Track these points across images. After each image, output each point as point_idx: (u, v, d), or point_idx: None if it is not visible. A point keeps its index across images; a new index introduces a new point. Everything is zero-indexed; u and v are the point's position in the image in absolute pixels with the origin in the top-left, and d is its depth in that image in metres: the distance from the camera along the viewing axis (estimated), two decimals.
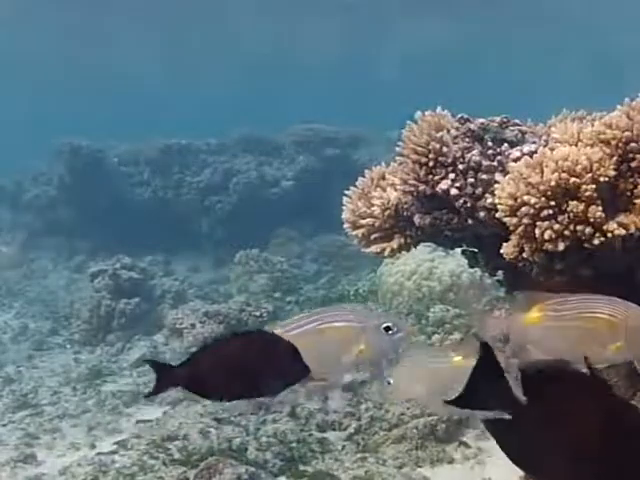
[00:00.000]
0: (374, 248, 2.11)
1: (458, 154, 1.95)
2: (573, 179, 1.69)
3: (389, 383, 1.46)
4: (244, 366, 1.19)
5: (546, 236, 1.71)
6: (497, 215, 1.80)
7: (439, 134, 1.95)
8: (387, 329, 1.34)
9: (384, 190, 2.09)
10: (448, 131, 1.96)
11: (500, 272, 2.10)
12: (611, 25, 14.60)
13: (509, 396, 1.05)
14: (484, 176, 1.93)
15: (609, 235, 1.68)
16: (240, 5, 13.64)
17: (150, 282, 5.42)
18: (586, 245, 1.71)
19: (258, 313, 4.37)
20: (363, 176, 2.17)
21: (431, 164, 1.94)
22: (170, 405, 3.59)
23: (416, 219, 2.02)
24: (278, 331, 1.33)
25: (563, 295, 1.36)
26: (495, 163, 1.95)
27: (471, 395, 1.09)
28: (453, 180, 1.94)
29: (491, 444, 1.12)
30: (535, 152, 1.86)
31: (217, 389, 1.21)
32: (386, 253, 2.09)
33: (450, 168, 1.94)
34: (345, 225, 2.16)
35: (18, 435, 3.42)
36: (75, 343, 4.92)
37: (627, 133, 1.74)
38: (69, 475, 2.81)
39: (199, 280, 6.15)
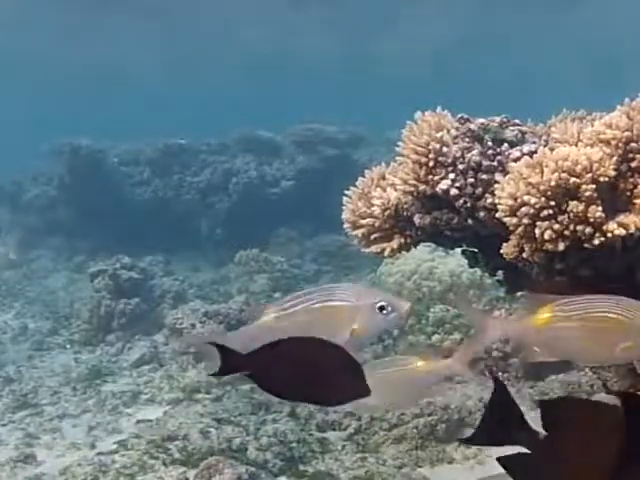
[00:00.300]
0: (374, 248, 2.11)
1: (458, 154, 1.94)
2: (573, 179, 1.68)
3: None
4: (310, 370, 1.17)
5: (546, 236, 1.70)
6: (497, 215, 1.80)
7: (439, 134, 1.95)
8: (381, 308, 1.32)
9: (384, 190, 2.09)
10: (448, 131, 1.96)
11: (500, 272, 2.10)
12: (611, 25, 14.60)
13: (525, 430, 1.01)
14: (484, 176, 1.93)
15: (609, 235, 1.68)
16: (240, 5, 13.64)
17: (150, 282, 5.41)
18: (586, 245, 1.71)
19: None
20: (363, 176, 2.17)
21: (431, 164, 1.94)
22: (170, 405, 3.59)
23: (416, 219, 2.02)
24: (271, 310, 1.31)
25: (570, 296, 1.36)
26: (495, 163, 1.95)
27: (486, 431, 1.06)
28: (453, 180, 1.94)
29: None
30: (535, 152, 1.86)
31: (278, 384, 1.20)
32: (386, 253, 2.09)
33: (450, 168, 1.94)
34: (345, 225, 2.15)
35: (18, 435, 3.41)
36: (75, 343, 4.91)
37: (627, 133, 1.74)
38: (69, 475, 2.80)
39: (199, 280, 6.15)
